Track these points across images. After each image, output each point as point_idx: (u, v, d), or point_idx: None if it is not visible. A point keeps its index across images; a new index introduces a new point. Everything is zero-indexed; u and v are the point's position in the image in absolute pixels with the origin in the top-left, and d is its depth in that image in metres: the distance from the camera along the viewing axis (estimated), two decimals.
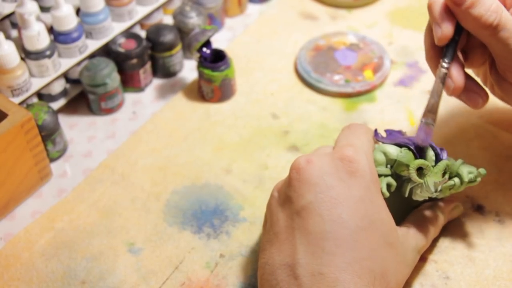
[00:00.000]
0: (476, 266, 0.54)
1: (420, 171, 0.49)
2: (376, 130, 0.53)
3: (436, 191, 0.50)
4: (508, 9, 0.52)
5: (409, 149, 0.50)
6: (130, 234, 0.58)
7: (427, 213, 0.53)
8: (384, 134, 0.54)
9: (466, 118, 0.66)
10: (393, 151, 0.50)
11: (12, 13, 0.66)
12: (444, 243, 0.55)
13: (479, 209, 0.58)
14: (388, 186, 0.50)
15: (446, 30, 0.51)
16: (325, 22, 0.80)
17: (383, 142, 0.52)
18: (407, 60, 0.74)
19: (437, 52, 0.53)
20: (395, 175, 0.51)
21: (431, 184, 0.49)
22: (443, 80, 0.51)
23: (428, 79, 0.71)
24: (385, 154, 0.51)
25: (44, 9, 0.68)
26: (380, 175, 0.50)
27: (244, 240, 0.57)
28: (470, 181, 0.51)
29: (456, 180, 0.51)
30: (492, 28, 0.49)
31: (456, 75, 0.52)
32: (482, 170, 0.51)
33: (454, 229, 0.56)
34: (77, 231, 0.58)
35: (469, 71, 0.59)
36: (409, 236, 0.50)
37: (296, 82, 0.72)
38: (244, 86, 0.72)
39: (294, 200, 0.47)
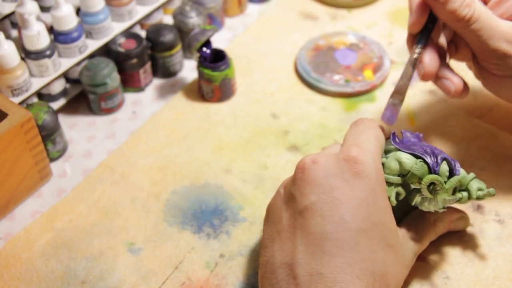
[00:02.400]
0: (476, 266, 0.54)
1: (432, 186, 0.49)
2: (394, 134, 0.52)
3: (443, 207, 0.50)
4: (487, 2, 0.55)
5: (425, 161, 0.50)
6: (130, 234, 0.58)
7: (427, 218, 0.52)
8: (401, 136, 0.53)
9: (466, 118, 0.66)
10: (408, 161, 0.50)
11: (12, 13, 0.66)
12: (444, 243, 0.55)
13: (479, 209, 0.58)
14: (397, 194, 0.50)
15: (417, 19, 0.55)
16: (325, 22, 0.80)
17: (399, 148, 0.51)
18: (407, 60, 0.74)
19: (415, 39, 0.57)
20: (405, 184, 0.51)
21: (441, 201, 0.49)
22: (413, 64, 0.55)
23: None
24: (400, 163, 0.50)
25: (44, 9, 0.68)
26: (391, 184, 0.50)
27: (244, 240, 0.57)
28: (477, 198, 0.51)
29: (465, 194, 0.51)
30: (465, 21, 0.52)
31: (428, 61, 0.55)
32: (492, 191, 0.51)
33: None
34: (77, 231, 0.58)
35: (463, 65, 0.61)
36: (408, 238, 0.50)
37: (296, 82, 0.72)
38: (244, 86, 0.72)
39: (298, 200, 0.47)
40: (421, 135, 0.54)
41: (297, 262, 0.45)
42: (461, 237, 0.56)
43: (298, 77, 0.73)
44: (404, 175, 0.50)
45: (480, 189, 0.51)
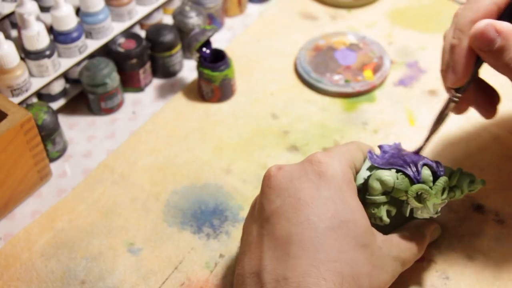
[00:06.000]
0: (476, 266, 0.53)
1: (419, 195, 0.49)
2: (370, 152, 0.52)
3: (436, 212, 0.49)
4: None
5: (405, 174, 0.49)
6: (130, 234, 0.58)
7: (415, 230, 0.51)
8: (378, 152, 0.52)
9: (466, 118, 0.66)
10: (389, 178, 0.49)
11: (12, 13, 0.66)
12: (444, 243, 0.55)
13: (479, 209, 0.58)
14: (389, 212, 0.50)
15: (462, 77, 0.49)
16: (325, 22, 0.80)
17: (378, 166, 0.50)
18: (407, 60, 0.74)
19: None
20: (393, 198, 0.50)
21: (431, 207, 0.49)
22: (450, 109, 0.51)
23: (428, 79, 0.71)
24: (381, 182, 0.49)
25: (44, 9, 0.68)
26: (379, 203, 0.49)
27: None
28: (470, 191, 0.51)
29: (457, 192, 0.50)
30: None
31: (466, 105, 0.52)
32: (482, 181, 0.51)
33: (454, 229, 0.56)
34: (76, 231, 0.58)
35: None
36: (392, 244, 0.48)
37: (296, 82, 0.72)
38: (244, 86, 0.72)
39: (265, 207, 0.47)
40: (399, 144, 0.53)
41: (264, 269, 0.44)
42: (461, 237, 0.55)
43: (298, 77, 0.73)
44: (389, 191, 0.50)
45: (470, 182, 0.51)
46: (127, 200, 0.60)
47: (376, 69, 0.71)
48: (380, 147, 0.52)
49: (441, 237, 0.55)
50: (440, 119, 0.52)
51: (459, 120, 0.65)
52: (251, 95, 0.71)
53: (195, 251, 0.56)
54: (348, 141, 0.64)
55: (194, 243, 0.57)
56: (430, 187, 0.49)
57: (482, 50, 0.47)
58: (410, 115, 0.67)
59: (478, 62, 0.50)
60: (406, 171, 0.49)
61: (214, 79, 0.68)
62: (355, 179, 0.50)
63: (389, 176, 0.49)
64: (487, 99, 0.54)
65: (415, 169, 0.49)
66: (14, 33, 0.69)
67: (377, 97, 0.70)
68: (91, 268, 0.55)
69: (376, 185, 0.49)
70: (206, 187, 0.61)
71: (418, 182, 0.49)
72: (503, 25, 0.47)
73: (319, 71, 0.71)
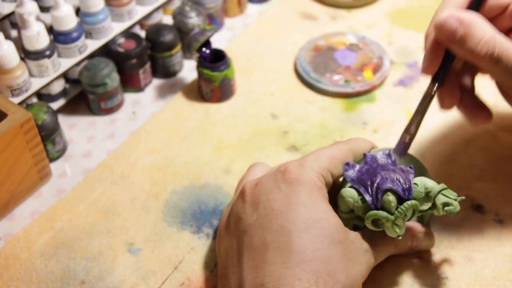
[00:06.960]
0: (476, 266, 0.54)
1: (376, 220, 0.48)
2: (347, 163, 0.50)
3: (398, 236, 0.48)
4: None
5: (364, 200, 0.48)
6: (130, 234, 0.58)
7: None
8: (361, 161, 0.51)
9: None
10: (350, 200, 0.49)
11: (12, 13, 0.66)
12: (443, 243, 0.55)
13: (479, 209, 0.58)
14: (356, 226, 0.50)
15: (431, 62, 0.52)
16: (324, 22, 0.80)
17: (349, 181, 0.49)
18: (406, 60, 0.74)
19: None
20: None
21: (391, 232, 0.48)
22: (429, 101, 0.53)
23: (427, 80, 0.71)
24: (343, 200, 0.49)
25: (43, 9, 0.68)
26: (345, 219, 0.49)
27: None
28: (445, 213, 0.49)
29: (434, 211, 0.49)
30: (487, 59, 0.48)
31: (447, 99, 0.53)
32: (455, 209, 0.48)
33: (454, 229, 0.56)
34: (76, 231, 0.58)
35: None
36: (363, 238, 0.48)
37: (295, 82, 0.72)
38: (243, 86, 0.72)
39: (243, 221, 0.48)
40: (387, 152, 0.51)
41: (245, 279, 0.45)
42: (460, 237, 0.55)
43: (297, 77, 0.73)
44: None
45: (446, 205, 0.48)
46: (127, 200, 0.60)
47: (376, 69, 0.71)
48: (364, 156, 0.51)
49: (441, 237, 0.55)
50: (419, 112, 0.53)
51: (458, 120, 0.65)
52: (251, 95, 0.71)
53: (195, 251, 0.56)
54: None
55: (194, 243, 0.57)
56: (392, 213, 0.47)
57: (446, 40, 0.49)
58: (410, 115, 0.67)
59: (449, 56, 0.51)
60: (365, 197, 0.48)
61: (214, 79, 0.68)
62: (329, 186, 0.50)
63: (350, 197, 0.49)
64: (477, 109, 0.55)
65: (375, 195, 0.48)
66: (14, 33, 0.69)
67: (377, 97, 0.70)
68: (90, 268, 0.55)
69: (340, 201, 0.50)
70: (206, 187, 0.61)
71: (377, 208, 0.48)
72: (465, 14, 0.48)
73: (318, 71, 0.72)
